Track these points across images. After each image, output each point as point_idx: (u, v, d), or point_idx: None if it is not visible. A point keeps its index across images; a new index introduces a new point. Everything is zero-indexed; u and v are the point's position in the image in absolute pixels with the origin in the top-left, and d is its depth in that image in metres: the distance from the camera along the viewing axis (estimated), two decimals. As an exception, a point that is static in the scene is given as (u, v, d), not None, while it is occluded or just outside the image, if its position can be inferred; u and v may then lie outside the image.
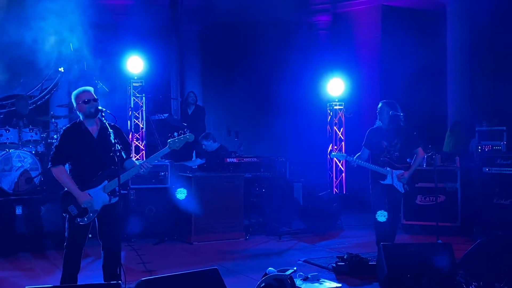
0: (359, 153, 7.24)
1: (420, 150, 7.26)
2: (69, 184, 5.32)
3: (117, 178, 5.23)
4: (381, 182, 7.08)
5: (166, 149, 5.58)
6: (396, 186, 7.11)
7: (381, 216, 7.01)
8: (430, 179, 8.43)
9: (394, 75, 12.77)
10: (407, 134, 7.21)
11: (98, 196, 5.33)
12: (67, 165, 5.50)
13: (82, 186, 5.32)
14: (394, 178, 7.08)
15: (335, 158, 12.23)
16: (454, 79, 12.15)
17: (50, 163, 5.44)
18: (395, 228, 7.30)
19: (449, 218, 8.77)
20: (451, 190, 8.94)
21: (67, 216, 5.35)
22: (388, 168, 7.08)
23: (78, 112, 5.47)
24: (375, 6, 14.14)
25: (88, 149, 5.36)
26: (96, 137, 5.43)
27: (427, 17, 12.86)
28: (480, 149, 9.50)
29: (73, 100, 5.49)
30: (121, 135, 5.56)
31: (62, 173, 5.38)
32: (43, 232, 8.15)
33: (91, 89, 5.52)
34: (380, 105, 7.23)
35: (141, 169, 5.43)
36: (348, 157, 7.21)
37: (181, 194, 8.45)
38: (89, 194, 5.29)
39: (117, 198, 5.38)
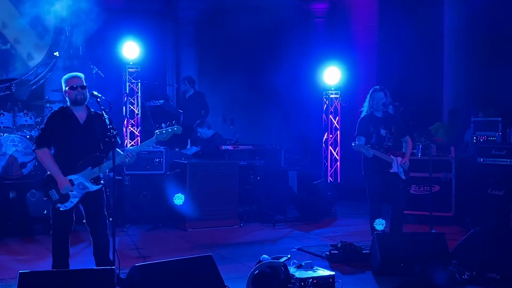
0: (357, 143, 7.10)
1: (408, 137, 7.32)
2: (52, 167, 5.28)
3: (100, 166, 5.28)
4: (389, 171, 7.04)
5: (152, 140, 5.53)
6: (400, 174, 7.11)
7: (379, 224, 6.92)
8: (425, 168, 8.42)
9: (390, 64, 12.73)
10: (400, 122, 7.21)
11: (80, 183, 5.31)
12: (52, 149, 5.45)
13: (65, 171, 5.29)
14: (398, 166, 7.08)
15: (330, 147, 12.24)
16: (450, 69, 12.13)
17: (34, 145, 5.42)
18: (402, 219, 7.18)
19: (443, 208, 8.78)
20: (445, 180, 8.96)
21: (50, 202, 5.34)
22: (392, 156, 7.08)
23: (66, 97, 5.43)
24: (372, -7, 14.06)
25: (73, 135, 5.32)
26: (83, 123, 5.38)
27: (424, 5, 12.80)
28: (475, 139, 9.50)
29: (62, 84, 5.45)
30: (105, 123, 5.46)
31: (46, 155, 5.33)
32: (36, 217, 8.12)
33: (81, 75, 5.45)
34: (376, 91, 7.14)
35: (127, 158, 5.39)
36: (365, 147, 6.91)
37: (178, 199, 8.40)
38: (71, 180, 5.27)
39: (100, 186, 5.37)
